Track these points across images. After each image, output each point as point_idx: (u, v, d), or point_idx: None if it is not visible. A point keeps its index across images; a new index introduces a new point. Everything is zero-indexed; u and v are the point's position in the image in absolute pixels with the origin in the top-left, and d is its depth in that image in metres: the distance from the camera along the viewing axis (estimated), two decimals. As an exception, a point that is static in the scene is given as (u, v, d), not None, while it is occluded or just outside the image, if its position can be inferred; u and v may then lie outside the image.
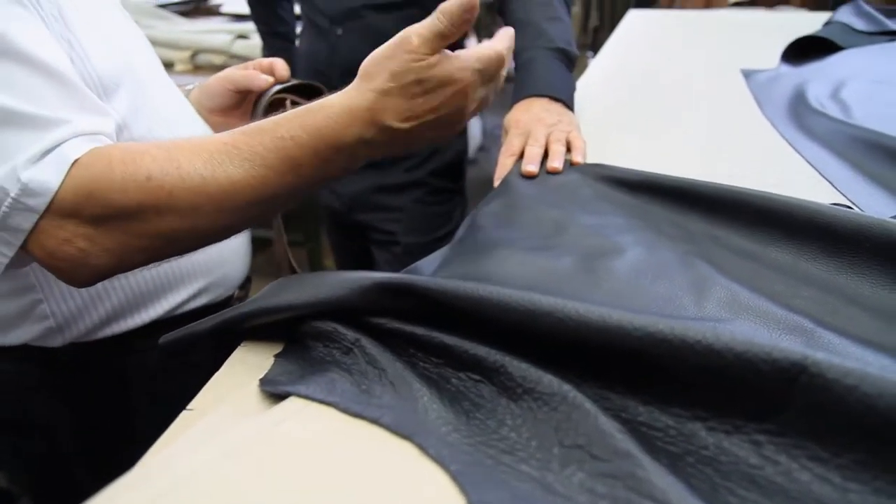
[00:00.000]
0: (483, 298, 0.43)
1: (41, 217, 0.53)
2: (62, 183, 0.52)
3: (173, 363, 0.74)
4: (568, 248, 0.60)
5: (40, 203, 0.52)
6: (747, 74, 1.22)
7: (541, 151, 0.80)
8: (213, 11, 3.40)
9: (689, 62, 1.34)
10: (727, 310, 0.50)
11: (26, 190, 0.52)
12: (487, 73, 0.62)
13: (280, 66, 0.85)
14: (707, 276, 0.55)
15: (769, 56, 1.31)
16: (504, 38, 0.66)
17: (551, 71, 0.93)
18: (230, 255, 0.84)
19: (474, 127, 3.94)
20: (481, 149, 4.10)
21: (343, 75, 1.33)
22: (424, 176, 1.41)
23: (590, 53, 4.91)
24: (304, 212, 2.52)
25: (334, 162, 0.58)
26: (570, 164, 0.79)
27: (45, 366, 0.74)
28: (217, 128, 0.87)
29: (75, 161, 0.53)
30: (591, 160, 0.80)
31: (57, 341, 0.72)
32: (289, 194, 0.58)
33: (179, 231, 0.56)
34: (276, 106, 0.86)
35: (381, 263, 1.53)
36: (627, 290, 0.53)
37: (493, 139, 4.28)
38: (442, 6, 0.56)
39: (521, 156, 0.81)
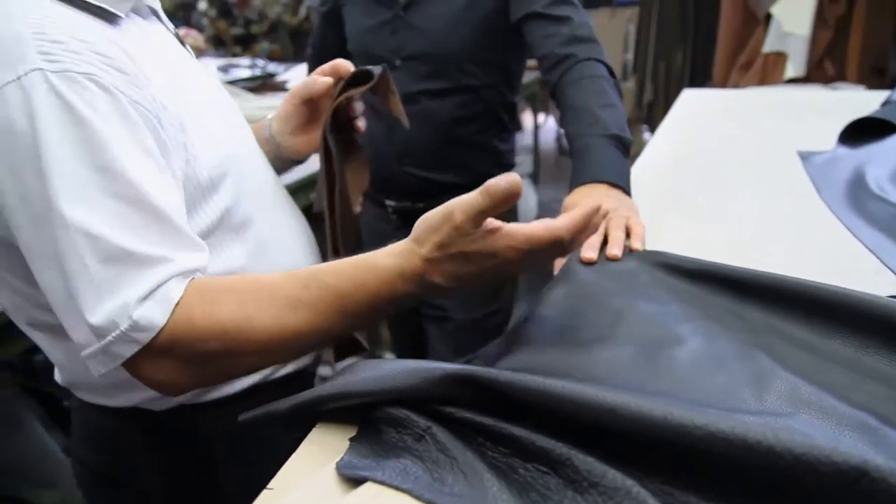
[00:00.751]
0: (549, 393, 0.46)
1: (141, 349, 0.60)
2: (166, 323, 0.59)
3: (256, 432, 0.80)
4: (628, 338, 0.62)
5: (145, 338, 0.59)
6: (804, 157, 1.23)
7: (600, 239, 0.83)
8: (279, 87, 3.59)
9: (744, 143, 1.36)
10: (788, 404, 0.51)
11: (135, 326, 0.59)
12: (537, 253, 0.63)
13: (341, 65, 0.90)
14: (767, 369, 0.56)
15: (826, 136, 1.32)
16: (567, 220, 0.65)
17: (608, 157, 0.97)
18: None
19: (529, 200, 3.99)
20: (536, 220, 4.13)
21: (399, 156, 1.40)
22: None
23: (644, 127, 4.96)
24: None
25: (385, 310, 0.65)
26: (629, 251, 0.81)
27: (148, 426, 0.82)
28: (303, 147, 0.96)
29: (179, 302, 0.60)
30: (648, 245, 0.83)
31: (158, 406, 0.80)
32: (342, 333, 0.67)
33: (252, 366, 0.69)
34: (340, 111, 0.89)
35: (434, 338, 1.56)
36: (688, 381, 0.55)
37: (548, 212, 4.32)
38: (487, 185, 0.59)
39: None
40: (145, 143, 0.63)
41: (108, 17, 0.67)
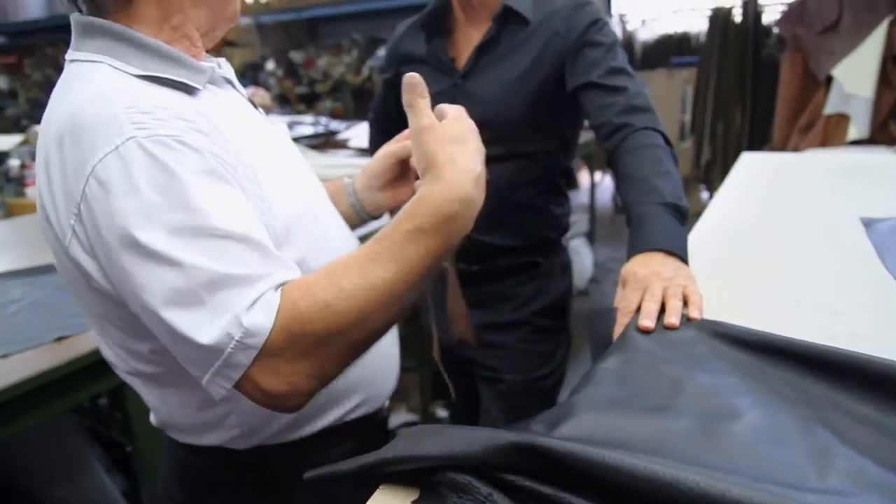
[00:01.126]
0: (608, 465, 0.47)
1: (258, 355, 0.66)
2: (273, 323, 0.66)
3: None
4: (686, 409, 0.62)
5: (258, 342, 0.65)
6: (867, 223, 1.22)
7: (657, 307, 0.83)
8: (341, 145, 3.72)
9: (805, 209, 1.35)
10: (851, 483, 0.51)
11: (247, 332, 0.65)
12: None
13: None
14: (829, 445, 0.56)
15: (891, 201, 1.30)
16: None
17: (665, 225, 0.98)
18: (383, 373, 0.98)
19: (585, 258, 3.98)
20: (593, 280, 4.12)
21: None
22: (528, 315, 1.47)
23: (702, 187, 4.93)
24: (419, 340, 2.61)
25: (450, 233, 0.73)
26: (686, 320, 0.82)
27: (229, 464, 0.89)
28: (388, 202, 1.05)
29: (280, 304, 0.67)
30: (706, 315, 0.83)
31: (241, 445, 0.86)
32: (424, 270, 0.72)
33: (362, 339, 0.71)
34: None
35: (487, 399, 1.56)
36: (746, 455, 0.55)
37: (604, 271, 4.30)
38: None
39: (638, 310, 0.85)
40: (231, 188, 0.72)
41: (188, 89, 0.79)
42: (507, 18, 1.34)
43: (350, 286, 0.68)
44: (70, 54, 0.79)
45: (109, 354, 0.85)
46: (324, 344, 0.68)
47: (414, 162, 0.80)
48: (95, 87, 0.72)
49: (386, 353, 0.99)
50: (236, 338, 0.65)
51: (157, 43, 0.78)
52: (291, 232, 0.81)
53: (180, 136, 0.69)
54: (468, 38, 1.40)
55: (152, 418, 0.94)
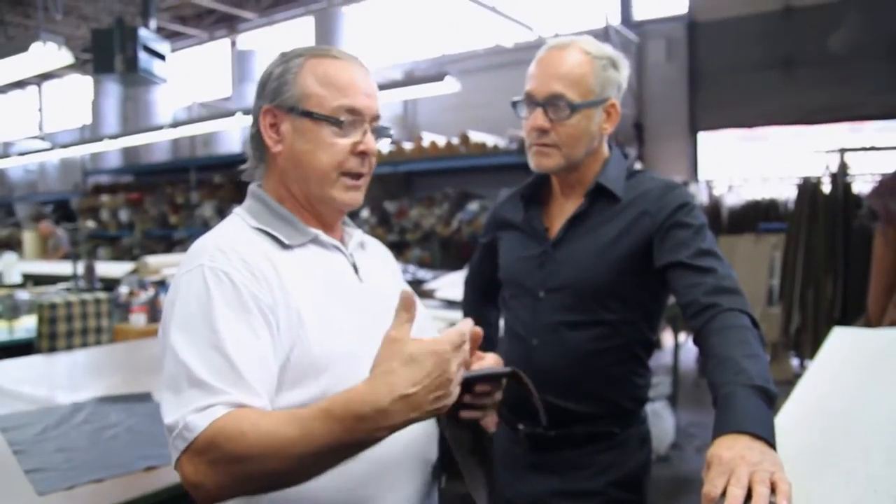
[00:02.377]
0: None
1: (187, 447, 0.85)
2: (204, 430, 0.84)
3: None
4: None
5: (189, 436, 0.85)
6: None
7: (744, 493, 0.81)
8: (428, 295, 3.82)
9: (900, 394, 1.30)
10: None
11: (186, 426, 0.85)
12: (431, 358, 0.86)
13: (488, 360, 1.07)
14: None
15: None
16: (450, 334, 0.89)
17: (752, 408, 0.96)
18: None
19: (667, 423, 3.84)
20: (674, 446, 3.94)
21: (534, 381, 1.43)
22: (603, 486, 1.42)
23: (792, 354, 4.75)
24: None
25: (355, 429, 0.83)
26: (772, 507, 0.80)
27: None
28: None
29: (221, 417, 0.84)
30: (795, 503, 0.81)
31: None
32: (331, 452, 0.85)
33: (261, 475, 0.84)
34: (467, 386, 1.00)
35: None
36: None
37: (687, 437, 4.12)
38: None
39: (723, 494, 0.83)
40: (251, 322, 0.94)
41: (282, 244, 1.05)
42: (600, 194, 1.43)
43: (265, 429, 0.84)
44: (237, 207, 1.13)
45: None
46: (230, 462, 0.83)
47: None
48: (219, 229, 1.07)
49: None
50: (178, 428, 0.86)
51: (278, 206, 1.09)
52: (320, 370, 0.98)
53: (231, 273, 0.96)
54: (562, 210, 1.48)
55: None
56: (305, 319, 0.99)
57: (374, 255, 1.24)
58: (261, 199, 1.10)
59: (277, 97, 1.07)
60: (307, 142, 1.06)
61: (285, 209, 1.09)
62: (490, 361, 1.07)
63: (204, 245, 1.00)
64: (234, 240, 1.01)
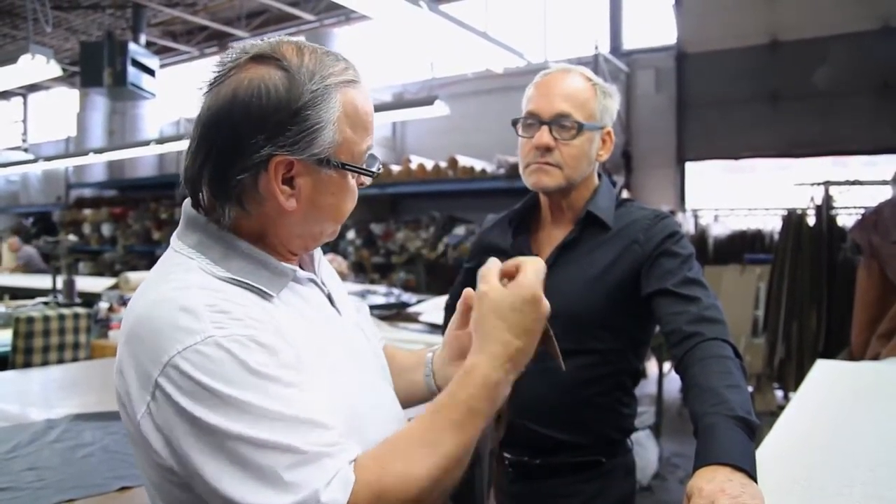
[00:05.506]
0: None
1: None
2: (349, 499, 0.72)
3: None
4: None
5: None
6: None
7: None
8: (412, 318, 3.80)
9: (885, 428, 1.30)
10: None
11: None
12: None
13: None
14: None
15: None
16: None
17: (733, 439, 0.95)
18: None
19: (650, 453, 3.83)
20: (657, 476, 3.92)
21: (521, 410, 1.40)
22: None
23: (775, 385, 4.75)
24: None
25: (498, 396, 0.84)
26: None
27: None
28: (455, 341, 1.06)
29: (357, 478, 0.74)
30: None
31: None
32: (484, 425, 0.83)
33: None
34: None
35: None
36: None
37: (670, 467, 4.10)
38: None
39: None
40: (301, 378, 0.79)
41: (264, 294, 0.85)
42: (590, 223, 1.43)
43: (419, 457, 0.77)
44: (174, 240, 0.89)
45: None
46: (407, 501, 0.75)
47: (471, 326, 0.89)
48: (184, 282, 0.81)
49: None
50: None
51: (247, 246, 0.86)
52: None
53: (255, 335, 0.77)
54: (551, 237, 1.48)
55: None
56: (306, 373, 0.83)
57: (330, 274, 1.06)
58: (213, 236, 0.86)
59: (303, 148, 0.83)
60: (332, 195, 0.88)
61: (257, 249, 0.87)
62: None
63: (182, 309, 0.77)
64: (224, 296, 0.80)
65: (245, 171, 0.82)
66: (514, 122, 1.45)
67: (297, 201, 0.85)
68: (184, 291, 0.79)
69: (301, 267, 0.94)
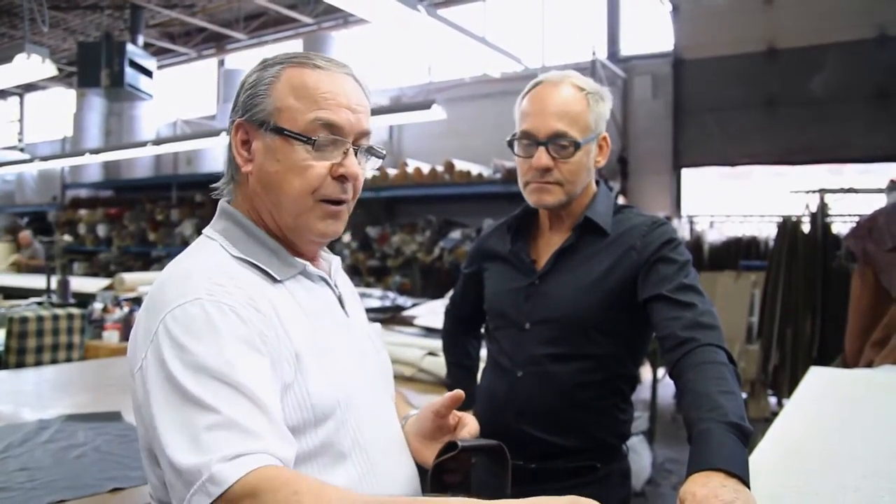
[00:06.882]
0: None
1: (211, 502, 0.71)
2: (237, 480, 0.71)
3: None
4: None
5: (216, 491, 0.71)
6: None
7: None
8: (407, 322, 3.79)
9: (876, 435, 1.30)
10: None
11: (211, 479, 0.72)
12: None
13: (471, 426, 1.07)
14: None
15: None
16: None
17: (726, 445, 0.95)
18: None
19: (644, 458, 3.83)
20: (650, 482, 3.92)
21: (518, 415, 1.43)
22: None
23: (769, 391, 4.76)
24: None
25: None
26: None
27: None
28: (417, 454, 1.07)
29: (255, 469, 0.72)
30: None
31: None
32: None
33: None
34: (449, 448, 1.00)
35: None
36: None
37: (663, 473, 4.10)
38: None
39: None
40: (262, 360, 0.84)
41: (271, 278, 0.95)
42: (588, 229, 1.43)
43: None
44: (205, 229, 1.01)
45: (149, 486, 0.91)
46: None
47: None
48: (198, 257, 0.94)
49: None
50: (202, 479, 0.72)
51: (260, 232, 0.98)
52: (327, 416, 0.91)
53: (235, 307, 0.85)
54: (549, 243, 1.49)
55: None
56: (305, 365, 0.90)
57: (346, 282, 1.15)
58: (238, 223, 0.99)
59: (249, 110, 0.97)
60: (277, 162, 0.95)
61: (271, 238, 0.98)
62: (472, 425, 1.08)
63: (187, 277, 0.88)
64: (227, 271, 0.91)
65: (229, 147, 1.00)
66: (510, 143, 1.44)
67: (252, 165, 0.98)
68: (195, 261, 0.93)
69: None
